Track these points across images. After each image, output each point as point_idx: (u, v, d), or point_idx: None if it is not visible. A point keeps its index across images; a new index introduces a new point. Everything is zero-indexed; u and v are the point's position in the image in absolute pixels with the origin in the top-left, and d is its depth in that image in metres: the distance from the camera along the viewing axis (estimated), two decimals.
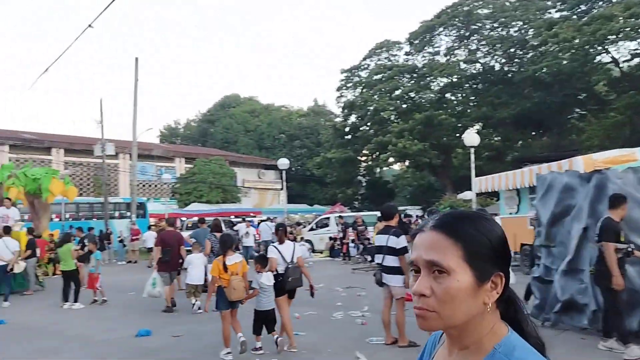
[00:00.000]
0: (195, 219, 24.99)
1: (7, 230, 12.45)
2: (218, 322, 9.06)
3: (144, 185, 38.54)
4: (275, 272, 7.01)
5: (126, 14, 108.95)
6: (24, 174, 14.82)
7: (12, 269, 12.28)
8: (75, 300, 11.11)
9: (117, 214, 27.42)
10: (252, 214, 32.86)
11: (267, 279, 6.86)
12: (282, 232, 7.35)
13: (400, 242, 6.76)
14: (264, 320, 6.92)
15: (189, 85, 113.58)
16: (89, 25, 9.28)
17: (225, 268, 6.75)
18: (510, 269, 1.15)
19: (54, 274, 16.08)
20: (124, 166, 36.30)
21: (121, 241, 23.58)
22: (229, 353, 6.71)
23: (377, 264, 7.13)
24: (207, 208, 33.44)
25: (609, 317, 6.15)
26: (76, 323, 9.45)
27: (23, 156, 31.89)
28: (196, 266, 10.28)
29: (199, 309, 9.75)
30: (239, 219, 24.04)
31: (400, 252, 6.74)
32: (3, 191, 14.81)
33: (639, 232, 6.41)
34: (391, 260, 6.77)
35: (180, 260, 10.87)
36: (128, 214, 26.41)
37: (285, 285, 6.97)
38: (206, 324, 9.03)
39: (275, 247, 7.23)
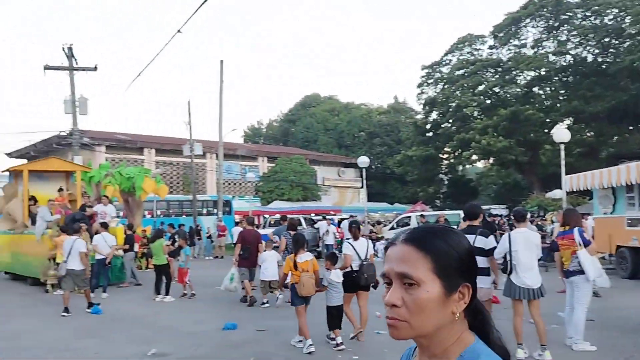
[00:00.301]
0: (277, 216, 25.58)
1: (105, 226, 13.30)
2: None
3: (229, 184, 39.84)
4: (349, 269, 7.16)
5: (211, 17, 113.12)
6: (119, 173, 15.75)
7: (109, 262, 13.11)
8: (167, 293, 11.69)
9: (204, 211, 28.55)
10: (332, 212, 33.10)
11: (336, 275, 7.07)
12: (355, 229, 7.53)
13: (489, 242, 6.54)
14: (336, 316, 7.06)
15: (272, 86, 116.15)
16: (178, 31, 9.72)
17: (295, 266, 7.03)
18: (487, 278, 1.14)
19: (146, 267, 17.05)
20: (211, 165, 37.74)
21: (209, 237, 24.55)
22: (311, 345, 6.88)
23: None
24: (289, 206, 34.07)
25: None
26: (167, 315, 9.94)
27: (118, 156, 33.93)
28: (269, 263, 10.65)
29: (272, 301, 10.51)
30: (320, 217, 24.32)
31: (490, 252, 6.54)
32: (101, 189, 15.87)
33: None
34: (478, 261, 6.56)
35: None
36: (215, 211, 27.42)
37: (360, 281, 7.15)
38: (290, 319, 9.20)
39: (350, 243, 7.37)
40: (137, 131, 45.88)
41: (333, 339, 7.06)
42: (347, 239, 8.66)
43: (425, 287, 1.13)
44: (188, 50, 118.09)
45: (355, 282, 7.12)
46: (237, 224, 23.00)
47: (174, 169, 37.22)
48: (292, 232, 10.45)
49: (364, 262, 7.20)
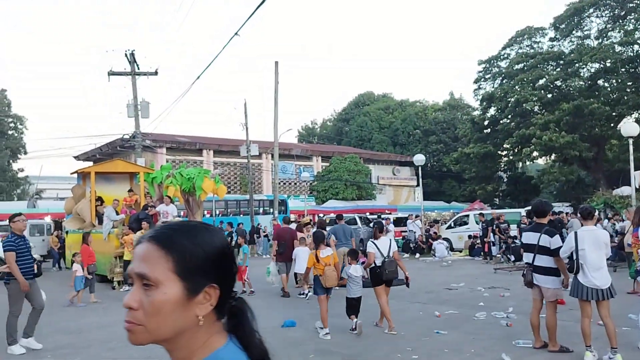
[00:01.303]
0: (332, 215, 25.65)
1: None
2: (360, 317, 9.26)
3: (284, 183, 40.29)
4: (373, 265, 7.96)
5: (267, 19, 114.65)
6: (180, 173, 16.20)
7: None
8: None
9: (261, 210, 29.00)
10: (387, 211, 32.90)
11: (354, 270, 7.91)
12: (377, 229, 8.36)
13: (555, 241, 6.34)
14: (354, 306, 7.90)
15: (325, 86, 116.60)
16: (236, 34, 9.91)
17: (317, 259, 8.02)
18: (230, 281, 1.09)
19: None
20: (267, 165, 38.28)
21: (265, 236, 24.92)
22: (327, 334, 7.65)
23: (527, 263, 6.73)
24: (343, 205, 34.13)
25: None
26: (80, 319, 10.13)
27: (178, 157, 34.96)
28: (301, 258, 11.35)
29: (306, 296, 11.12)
30: (374, 216, 24.24)
31: (555, 252, 6.33)
32: (163, 189, 16.37)
33: None
34: (544, 260, 6.38)
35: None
36: (270, 210, 27.80)
37: (383, 276, 7.85)
38: (346, 317, 9.23)
39: (373, 242, 8.12)
40: (196, 133, 47.06)
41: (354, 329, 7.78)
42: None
43: (163, 288, 1.05)
44: (244, 52, 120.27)
45: (379, 275, 7.85)
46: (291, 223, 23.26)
47: (231, 170, 37.99)
48: (321, 230, 11.11)
49: (386, 259, 7.83)
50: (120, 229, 14.78)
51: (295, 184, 41.51)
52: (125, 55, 24.02)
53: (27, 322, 7.54)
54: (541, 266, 6.45)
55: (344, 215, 16.96)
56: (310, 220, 17.24)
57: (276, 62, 25.56)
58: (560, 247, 6.31)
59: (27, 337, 7.52)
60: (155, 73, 24.42)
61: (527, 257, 6.66)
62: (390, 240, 8.29)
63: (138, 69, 24.35)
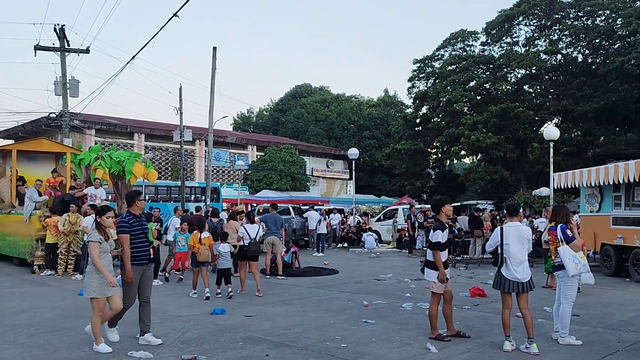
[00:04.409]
0: (265, 204, 25.60)
1: (95, 208, 13.25)
2: (288, 305, 9.37)
3: (218, 171, 39.73)
4: (242, 244, 10.62)
5: (206, 4, 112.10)
6: (109, 156, 15.61)
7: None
8: (155, 277, 11.69)
9: (192, 197, 28.47)
10: (319, 203, 33.20)
11: (223, 247, 10.28)
12: (252, 216, 11.43)
13: (434, 235, 6.74)
14: (223, 275, 10.23)
15: (263, 75, 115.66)
16: (175, 14, 9.65)
17: (200, 240, 10.24)
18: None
19: None
20: (200, 152, 37.62)
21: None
22: (194, 293, 10.22)
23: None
24: (277, 195, 34.09)
25: None
26: (155, 298, 9.86)
27: (108, 140, 33.69)
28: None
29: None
30: (307, 207, 24.40)
31: (432, 245, 6.74)
32: (90, 172, 15.75)
33: None
34: (429, 254, 6.84)
35: None
36: (202, 198, 27.37)
37: (248, 253, 10.63)
38: (278, 306, 9.30)
39: (244, 227, 10.76)
40: (128, 116, 45.45)
41: (230, 293, 10.05)
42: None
43: None
44: (182, 36, 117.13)
45: (244, 253, 10.63)
46: (222, 211, 22.96)
47: (163, 155, 37.03)
48: (201, 216, 12.96)
49: (252, 241, 10.60)
50: (43, 210, 14.11)
51: (229, 172, 41.03)
52: (55, 29, 22.85)
53: (139, 319, 6.69)
54: (428, 259, 6.86)
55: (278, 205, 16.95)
56: (244, 209, 17.13)
57: (214, 48, 25.10)
58: (439, 242, 6.67)
59: (144, 334, 6.67)
60: (87, 51, 23.37)
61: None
62: (259, 227, 10.88)
63: (68, 45, 23.22)
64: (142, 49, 24.30)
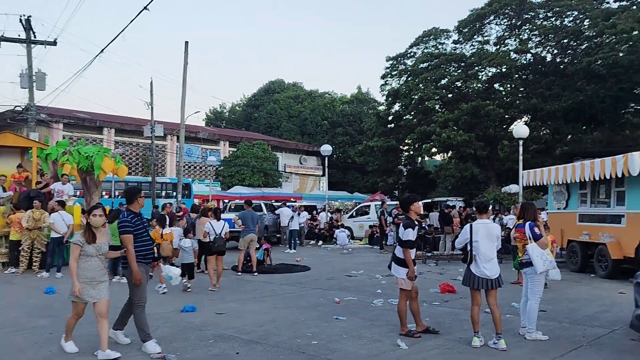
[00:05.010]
0: (237, 201, 25.44)
1: (63, 205, 12.97)
2: (259, 302, 9.34)
3: (189, 167, 39.34)
4: (207, 240, 10.89)
5: None
6: (78, 151, 15.28)
7: (67, 241, 12.80)
8: (123, 275, 11.51)
9: (163, 193, 28.12)
10: (292, 199, 33.17)
11: (185, 243, 10.74)
12: (219, 213, 11.66)
13: (404, 233, 6.78)
14: (187, 270, 10.45)
15: (236, 70, 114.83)
16: (145, 8, 9.48)
17: (161, 236, 10.75)
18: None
19: None
20: (172, 147, 37.17)
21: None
22: (165, 287, 10.21)
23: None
24: (249, 191, 33.92)
25: None
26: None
27: (76, 134, 33.01)
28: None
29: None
30: (279, 203, 24.33)
31: (402, 243, 6.79)
32: (57, 167, 15.39)
33: None
34: (398, 250, 6.92)
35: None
36: (174, 193, 27.06)
37: (213, 249, 10.83)
38: (250, 303, 9.25)
39: (210, 223, 11.03)
40: (97, 110, 44.61)
41: (189, 288, 10.42)
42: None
43: None
44: (153, 30, 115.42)
45: (210, 248, 10.88)
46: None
47: (133, 150, 36.47)
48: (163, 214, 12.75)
49: (217, 237, 10.80)
50: (7, 206, 13.75)
51: (201, 168, 40.66)
52: (20, 20, 22.27)
53: (119, 313, 6.57)
54: (396, 256, 6.92)
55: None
56: (215, 206, 17.03)
57: (186, 42, 24.82)
58: (409, 240, 6.74)
59: (116, 330, 6.53)
60: (54, 43, 22.83)
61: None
62: (225, 223, 11.12)
63: (34, 36, 22.65)
64: (111, 42, 23.91)
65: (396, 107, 38.65)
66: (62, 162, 14.83)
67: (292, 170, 45.64)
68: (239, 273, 13.03)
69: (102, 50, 24.44)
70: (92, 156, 14.92)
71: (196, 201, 27.94)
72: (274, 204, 25.10)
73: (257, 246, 14.37)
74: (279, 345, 6.41)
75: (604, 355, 6.06)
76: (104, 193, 22.65)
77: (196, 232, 12.08)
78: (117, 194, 25.76)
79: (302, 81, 64.13)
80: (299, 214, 21.34)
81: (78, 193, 17.48)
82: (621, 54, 27.04)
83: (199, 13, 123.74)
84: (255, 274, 13.03)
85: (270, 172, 40.82)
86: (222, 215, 12.55)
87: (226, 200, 29.35)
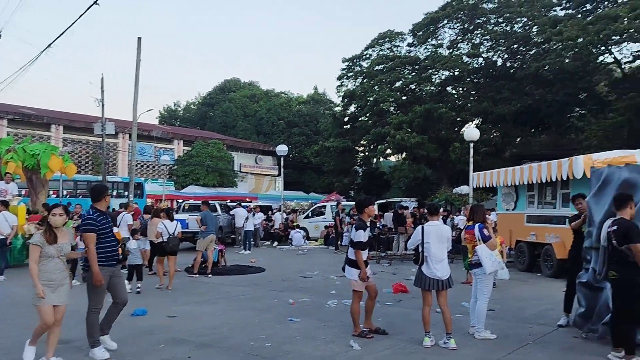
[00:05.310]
0: (192, 201, 25.06)
1: (6, 205, 12.47)
2: (212, 304, 9.25)
3: (142, 166, 38.51)
4: (161, 240, 11.05)
5: None
6: (23, 149, 14.77)
7: (10, 243, 12.31)
8: (72, 277, 11.17)
9: (114, 193, 27.42)
10: (247, 199, 32.93)
11: (131, 244, 10.61)
12: (171, 213, 11.69)
13: (356, 235, 6.85)
14: (134, 271, 10.48)
15: (191, 68, 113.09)
16: (95, 2, 9.23)
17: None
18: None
19: None
20: (123, 146, 36.27)
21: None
22: None
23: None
24: (204, 191, 33.50)
25: (623, 325, 5.76)
26: (72, 299, 9.46)
27: (22, 131, 31.79)
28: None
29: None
30: (234, 204, 24.12)
31: (354, 245, 6.86)
32: (1, 165, 14.79)
33: None
34: (350, 252, 6.93)
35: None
36: (126, 193, 26.43)
37: (167, 249, 11.01)
38: (203, 305, 9.13)
39: (163, 224, 11.14)
40: (44, 106, 43.10)
41: (138, 289, 10.34)
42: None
43: None
44: (105, 25, 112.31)
45: (164, 248, 11.03)
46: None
47: (83, 148, 35.41)
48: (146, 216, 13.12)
49: (170, 236, 10.97)
50: None
51: (154, 167, 39.86)
52: None
53: (104, 316, 6.30)
54: (348, 257, 6.99)
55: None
56: (168, 206, 16.73)
57: (139, 39, 24.22)
58: (361, 241, 6.83)
59: (102, 335, 6.20)
60: None
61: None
62: (177, 224, 11.29)
63: None
64: (59, 36, 23.11)
65: (352, 108, 38.97)
66: (6, 160, 14.30)
67: (247, 170, 45.33)
68: (196, 275, 12.85)
69: (50, 44, 23.63)
70: (38, 154, 14.44)
71: (149, 201, 27.46)
72: (229, 204, 24.86)
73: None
74: (232, 348, 6.36)
75: (548, 352, 6.28)
76: (51, 192, 21.89)
77: (148, 233, 11.84)
78: (65, 193, 24.97)
79: (258, 80, 63.79)
80: (253, 215, 21.18)
81: (23, 192, 16.86)
82: (567, 61, 28.11)
83: (152, 9, 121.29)
84: (210, 275, 12.88)
85: (226, 172, 40.42)
86: (176, 216, 12.41)
87: (180, 200, 28.88)
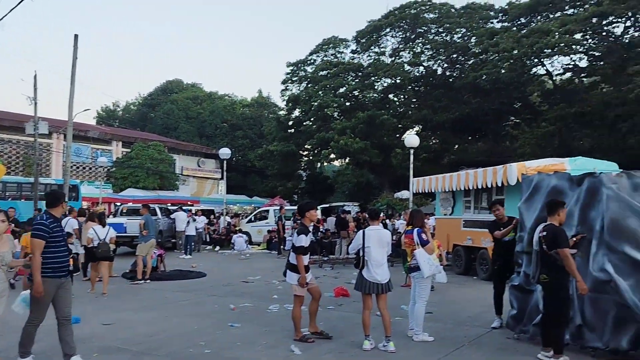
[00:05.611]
0: (130, 204, 24.35)
1: None
2: (151, 311, 9.04)
3: (78, 168, 37.12)
4: (91, 245, 11.08)
5: None
6: None
7: None
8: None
9: None
10: (189, 203, 32.34)
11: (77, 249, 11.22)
12: (103, 218, 11.70)
13: (297, 240, 6.91)
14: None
15: (131, 67, 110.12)
16: None
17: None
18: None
19: None
20: (58, 146, 34.83)
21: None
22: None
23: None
24: (143, 194, 32.59)
25: (553, 326, 6.02)
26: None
27: None
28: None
29: None
30: (175, 207, 23.62)
31: (296, 249, 6.91)
32: None
33: (634, 242, 5.88)
34: (292, 257, 6.96)
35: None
36: None
37: (97, 254, 10.93)
38: (140, 312, 8.89)
39: (94, 229, 11.10)
40: None
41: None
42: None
43: None
44: (38, 20, 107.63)
45: (94, 253, 11.01)
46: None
47: (13, 148, 33.76)
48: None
49: (100, 242, 10.92)
50: None
51: (91, 169, 38.48)
52: None
53: (60, 340, 5.72)
54: (290, 262, 7.03)
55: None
56: (104, 209, 16.20)
57: (76, 35, 23.35)
58: (302, 246, 6.88)
59: (70, 358, 5.68)
60: None
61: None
62: (109, 228, 11.22)
63: None
64: None
65: (296, 112, 39.08)
66: None
67: (189, 173, 44.52)
68: (141, 281, 12.40)
69: None
70: None
71: (85, 204, 26.49)
72: (170, 207, 24.32)
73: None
74: (169, 356, 6.23)
75: (482, 353, 6.49)
76: None
77: (82, 237, 11.45)
78: None
79: (201, 82, 62.82)
80: (194, 220, 20.81)
81: None
82: (503, 71, 29.26)
83: (91, 6, 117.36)
84: (148, 281, 12.52)
85: (167, 175, 39.54)
86: (114, 220, 12.09)
87: (118, 204, 28.01)
